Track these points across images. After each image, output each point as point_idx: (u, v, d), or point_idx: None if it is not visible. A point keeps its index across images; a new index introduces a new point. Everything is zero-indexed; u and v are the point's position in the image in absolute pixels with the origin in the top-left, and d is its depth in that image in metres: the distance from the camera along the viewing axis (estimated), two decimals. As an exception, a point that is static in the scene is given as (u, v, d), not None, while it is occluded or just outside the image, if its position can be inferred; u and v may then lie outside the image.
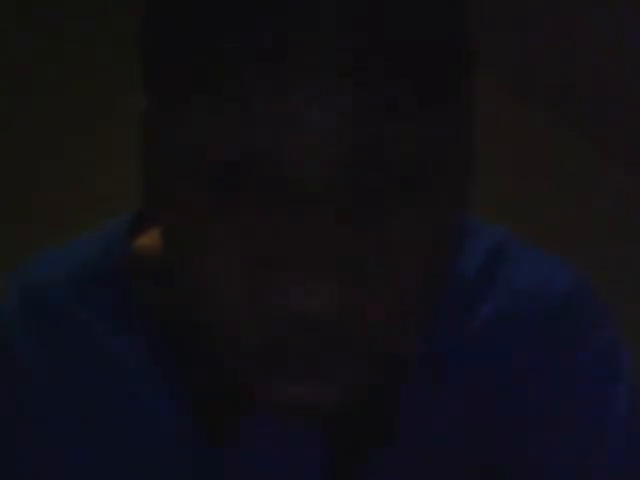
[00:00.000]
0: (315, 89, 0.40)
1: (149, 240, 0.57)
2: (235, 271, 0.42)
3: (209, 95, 0.41)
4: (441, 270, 0.45)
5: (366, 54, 0.40)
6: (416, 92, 0.41)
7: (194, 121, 0.42)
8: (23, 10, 2.68)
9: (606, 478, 0.54)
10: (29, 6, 2.69)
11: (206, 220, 0.43)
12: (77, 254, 0.59)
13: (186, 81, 0.42)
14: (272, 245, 0.41)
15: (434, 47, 0.42)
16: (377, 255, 0.42)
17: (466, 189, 0.48)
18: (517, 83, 2.50)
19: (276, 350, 0.43)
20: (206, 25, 0.41)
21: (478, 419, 0.56)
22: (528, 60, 2.48)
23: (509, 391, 0.56)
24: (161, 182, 0.45)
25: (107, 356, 0.56)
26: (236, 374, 0.46)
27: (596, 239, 2.11)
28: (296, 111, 0.40)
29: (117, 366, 0.56)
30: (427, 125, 0.42)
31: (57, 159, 2.39)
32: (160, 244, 0.50)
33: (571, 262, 0.60)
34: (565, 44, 2.45)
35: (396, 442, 0.55)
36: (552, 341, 0.56)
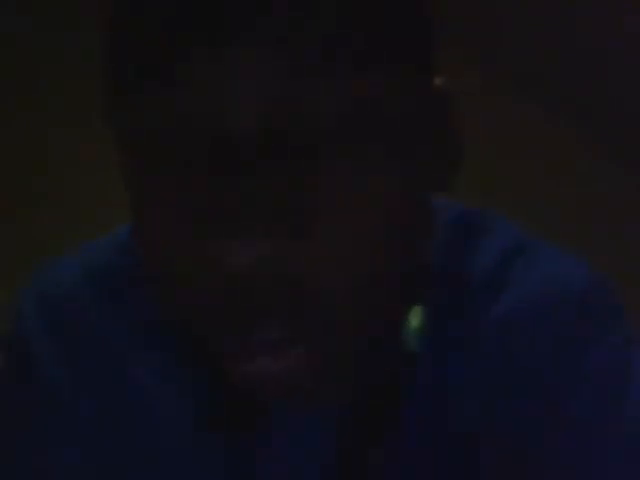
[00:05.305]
0: (249, 47, 0.41)
1: None
2: (174, 229, 0.44)
3: (143, 73, 0.42)
4: (392, 240, 0.45)
5: (300, 20, 0.41)
6: (348, 51, 0.42)
7: (136, 102, 0.43)
8: (23, 10, 2.68)
9: (606, 478, 0.54)
10: (29, 6, 2.69)
11: (151, 187, 0.44)
12: (94, 257, 0.59)
13: (124, 73, 0.43)
14: (207, 200, 0.42)
15: (373, 19, 0.43)
16: (312, 207, 0.43)
17: (424, 161, 0.48)
18: (517, 83, 2.49)
19: (220, 308, 0.44)
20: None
21: (479, 419, 0.56)
22: (528, 59, 2.48)
23: (512, 391, 0.56)
24: (125, 169, 0.47)
25: (123, 357, 0.57)
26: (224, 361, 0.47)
27: (596, 239, 2.11)
28: (228, 67, 0.41)
29: (132, 366, 0.56)
30: (355, 85, 0.43)
31: (57, 159, 2.39)
32: None
33: (588, 261, 0.60)
34: (565, 43, 2.45)
35: (396, 441, 0.55)
36: (562, 341, 0.56)
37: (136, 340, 0.57)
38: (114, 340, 0.57)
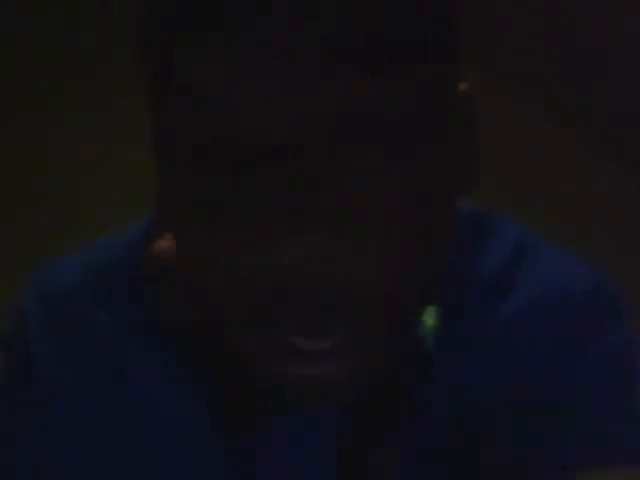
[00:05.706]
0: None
1: (166, 242, 0.58)
2: (212, 230, 0.44)
3: (180, 70, 0.42)
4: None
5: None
6: (380, 50, 0.42)
7: (168, 102, 0.43)
8: (23, 10, 2.68)
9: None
10: (29, 6, 2.69)
11: (188, 189, 0.44)
12: (95, 257, 0.59)
13: (157, 69, 0.43)
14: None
15: (403, 18, 0.43)
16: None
17: (449, 161, 0.49)
18: (517, 83, 2.49)
19: (265, 311, 0.44)
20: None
21: (480, 419, 0.56)
22: (528, 59, 2.48)
23: (513, 391, 0.56)
24: (159, 171, 0.47)
25: (123, 357, 0.57)
26: (245, 364, 0.47)
27: (596, 239, 2.11)
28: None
29: (132, 366, 0.57)
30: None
31: (57, 159, 2.39)
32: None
33: (588, 261, 0.60)
34: (565, 43, 2.45)
35: (396, 441, 0.55)
36: (562, 341, 0.56)
37: (136, 340, 0.57)
38: (114, 340, 0.57)
